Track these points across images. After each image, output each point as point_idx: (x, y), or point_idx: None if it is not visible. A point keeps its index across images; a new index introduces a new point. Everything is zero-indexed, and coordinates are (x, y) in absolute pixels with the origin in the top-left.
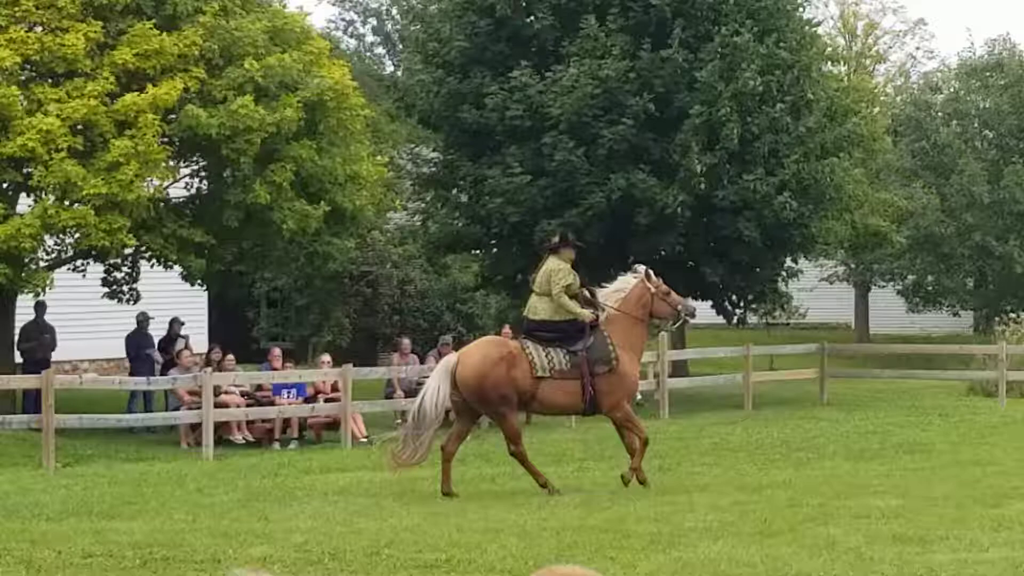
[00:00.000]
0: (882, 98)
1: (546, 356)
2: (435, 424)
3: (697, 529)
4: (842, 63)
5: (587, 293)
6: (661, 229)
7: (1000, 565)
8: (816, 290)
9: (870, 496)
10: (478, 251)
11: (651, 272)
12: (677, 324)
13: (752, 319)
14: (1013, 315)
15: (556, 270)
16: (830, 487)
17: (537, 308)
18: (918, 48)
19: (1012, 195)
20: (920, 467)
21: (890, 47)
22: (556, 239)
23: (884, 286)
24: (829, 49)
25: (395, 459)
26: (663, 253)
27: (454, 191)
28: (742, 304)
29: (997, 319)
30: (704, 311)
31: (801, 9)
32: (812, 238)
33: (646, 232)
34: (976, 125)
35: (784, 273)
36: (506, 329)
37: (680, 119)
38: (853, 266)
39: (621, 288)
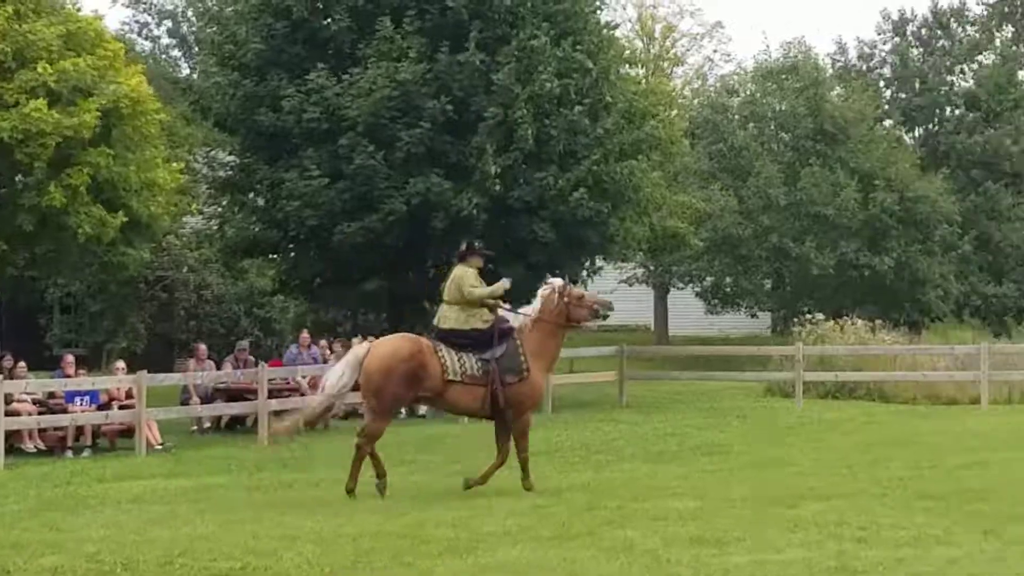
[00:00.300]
0: (680, 101)
1: (459, 360)
2: (324, 405)
3: (496, 534)
4: (640, 66)
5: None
6: (458, 232)
7: (796, 566)
8: (616, 292)
9: (668, 498)
10: (275, 255)
11: (561, 282)
12: (600, 321)
13: None
14: (810, 316)
15: (463, 276)
16: (628, 490)
17: (447, 316)
18: (715, 51)
19: (808, 197)
20: (718, 469)
21: (688, 50)
22: (464, 247)
23: (683, 288)
24: (627, 52)
25: (275, 433)
26: None
27: (251, 195)
28: None
29: (794, 320)
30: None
31: (599, 12)
32: (611, 239)
33: (443, 236)
34: (772, 127)
35: (584, 274)
36: (304, 334)
37: (478, 122)
38: (652, 268)
39: (536, 301)
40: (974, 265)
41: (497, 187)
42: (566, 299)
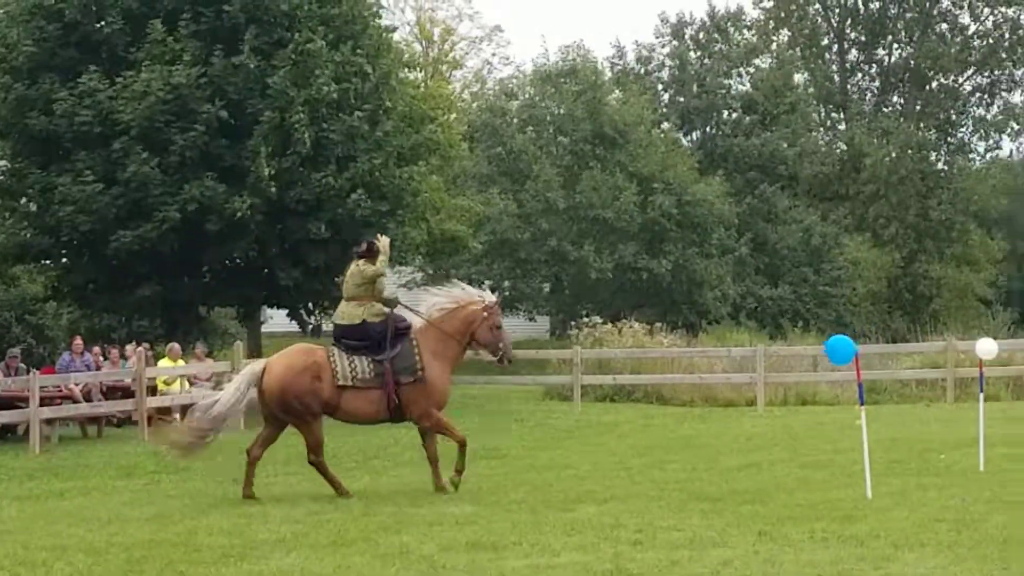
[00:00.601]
0: (459, 104)
1: (349, 364)
2: (221, 425)
3: (270, 541)
4: (419, 70)
5: (396, 298)
6: (234, 236)
7: (572, 569)
8: (395, 297)
9: (445, 503)
10: (48, 261)
11: (493, 300)
12: (495, 359)
13: (330, 326)
14: (588, 319)
15: (358, 271)
16: (405, 495)
17: (343, 313)
18: (494, 54)
19: (588, 200)
20: (495, 472)
21: (467, 53)
22: (364, 246)
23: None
24: (406, 56)
25: (172, 445)
26: (238, 260)
27: (23, 200)
28: (319, 310)
29: (573, 324)
30: (281, 318)
31: (377, 17)
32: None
33: (219, 239)
34: (551, 131)
35: None
36: (77, 340)
37: (254, 125)
38: (431, 272)
39: (453, 302)
40: (751, 267)
41: (272, 189)
42: (485, 314)
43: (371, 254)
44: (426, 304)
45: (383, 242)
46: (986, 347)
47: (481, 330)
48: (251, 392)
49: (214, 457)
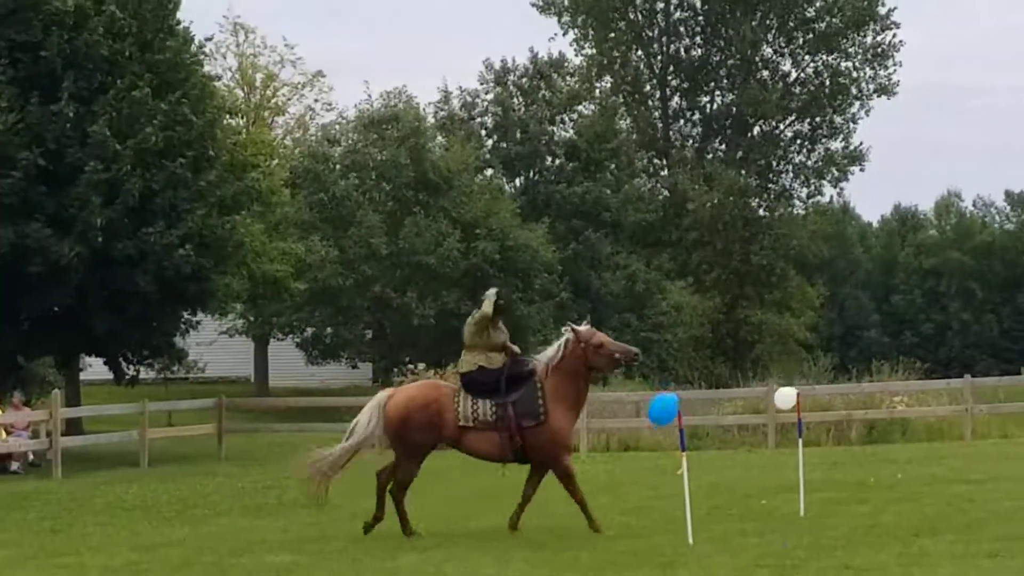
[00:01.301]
0: (281, 150)
1: (472, 406)
2: (352, 453)
3: None
4: (241, 116)
5: (516, 349)
6: (54, 283)
7: None
8: (216, 344)
9: (266, 552)
10: None
11: (579, 328)
12: (623, 368)
13: (151, 374)
14: (411, 366)
15: (471, 320)
16: (226, 544)
17: (463, 362)
18: (317, 100)
19: (411, 246)
20: (316, 521)
21: (289, 99)
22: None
23: (283, 339)
24: (228, 102)
25: (311, 471)
26: (56, 309)
27: None
28: (138, 359)
29: (396, 370)
30: (100, 367)
31: (200, 64)
32: (211, 292)
33: (39, 286)
34: (374, 177)
35: (183, 327)
36: None
37: (75, 173)
38: (252, 319)
39: (558, 347)
40: (573, 313)
41: (100, 239)
42: (583, 345)
43: (497, 315)
44: (543, 356)
45: (488, 294)
46: (784, 398)
47: (591, 356)
48: (378, 420)
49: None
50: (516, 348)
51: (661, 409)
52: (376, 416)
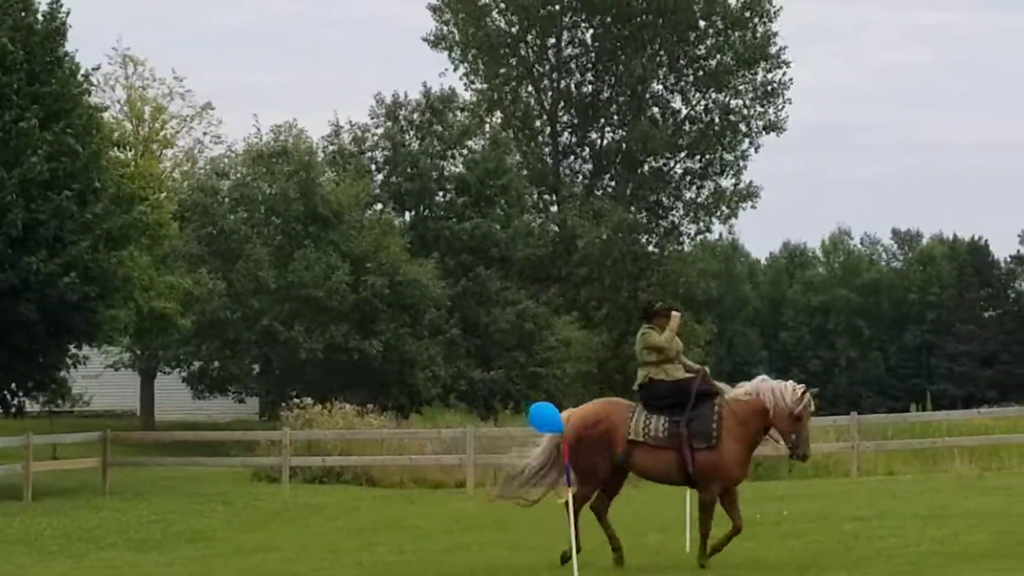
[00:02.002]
0: (170, 183)
1: (644, 421)
2: (534, 476)
3: None
4: (129, 148)
5: (704, 369)
6: None
7: None
8: (102, 377)
9: None
10: None
11: (793, 393)
12: (789, 453)
13: (36, 407)
14: (298, 400)
15: (641, 337)
16: None
17: (638, 375)
18: (205, 133)
19: (299, 279)
20: (201, 555)
21: (178, 132)
22: (652, 310)
23: (170, 372)
24: (116, 134)
25: (503, 493)
26: None
27: None
28: (23, 391)
29: (283, 405)
30: None
31: (87, 94)
32: (97, 324)
33: None
34: (263, 211)
35: (68, 360)
36: None
37: None
38: (139, 352)
39: (757, 391)
40: (462, 349)
41: None
42: (784, 403)
43: (655, 318)
44: (738, 388)
45: (674, 318)
46: None
47: (779, 420)
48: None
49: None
50: (705, 369)
51: (540, 416)
52: (553, 443)
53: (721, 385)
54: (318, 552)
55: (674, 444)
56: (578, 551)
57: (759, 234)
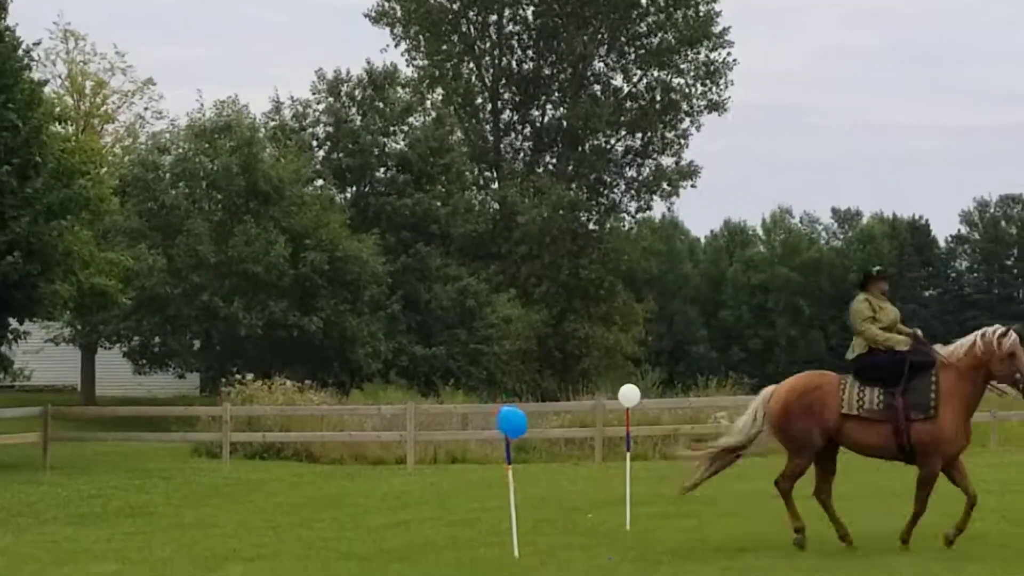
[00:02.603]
0: (110, 158)
1: (858, 394)
2: (733, 445)
3: None
4: (70, 123)
5: (917, 332)
6: None
7: None
8: (42, 352)
9: (89, 562)
10: None
11: (997, 335)
12: (1017, 392)
13: None
14: (239, 376)
15: (857, 308)
16: (49, 554)
17: (853, 346)
18: (147, 108)
19: (239, 255)
20: (141, 531)
21: (119, 107)
22: (863, 276)
23: (110, 348)
24: (58, 109)
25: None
26: None
27: None
28: None
29: (223, 380)
30: None
31: (28, 70)
32: (39, 300)
33: None
34: (204, 186)
35: (9, 335)
36: None
37: None
38: (79, 327)
39: (970, 342)
40: (403, 325)
41: None
42: (994, 348)
43: (872, 282)
44: (947, 349)
45: (903, 339)
46: (629, 393)
47: (994, 363)
48: (762, 416)
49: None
50: (918, 332)
51: (509, 422)
52: (761, 412)
53: (936, 347)
54: (258, 528)
55: (889, 417)
56: (799, 530)
57: (700, 212)
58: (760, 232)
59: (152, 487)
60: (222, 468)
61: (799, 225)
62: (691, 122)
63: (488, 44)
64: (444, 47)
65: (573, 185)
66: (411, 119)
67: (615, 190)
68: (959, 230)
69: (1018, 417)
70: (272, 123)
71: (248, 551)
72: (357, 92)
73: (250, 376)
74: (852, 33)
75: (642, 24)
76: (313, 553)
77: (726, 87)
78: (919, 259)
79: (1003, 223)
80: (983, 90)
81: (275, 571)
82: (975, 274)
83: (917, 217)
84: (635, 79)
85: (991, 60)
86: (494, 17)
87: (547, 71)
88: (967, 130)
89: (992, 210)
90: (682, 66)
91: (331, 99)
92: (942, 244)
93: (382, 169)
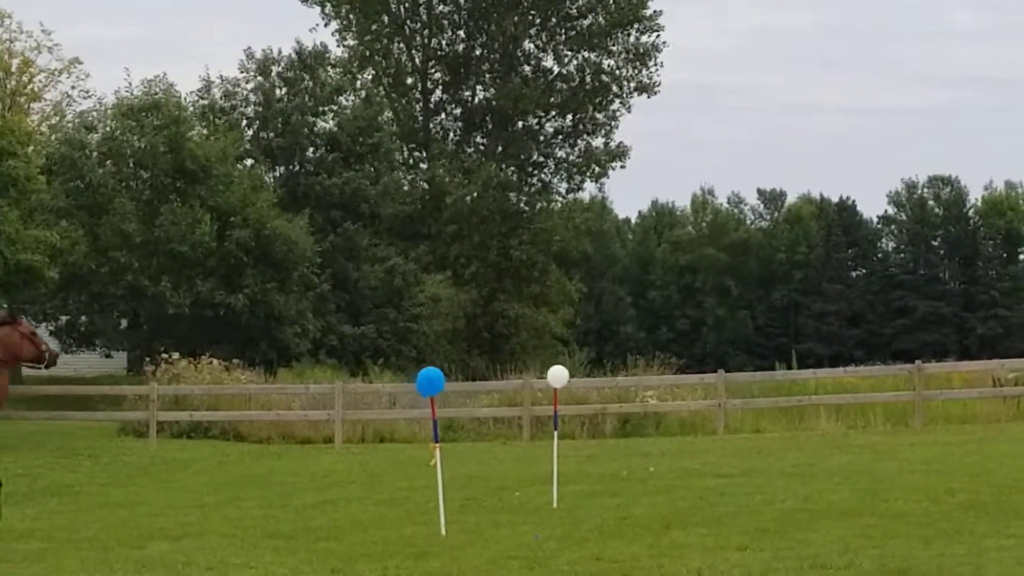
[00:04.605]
0: (37, 137)
1: None
2: None
3: None
4: None
5: None
6: None
7: None
8: None
9: (15, 540)
10: None
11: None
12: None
13: None
14: (165, 355)
15: None
16: None
17: None
18: (74, 87)
19: (166, 234)
20: (67, 509)
21: (45, 86)
22: None
23: (37, 326)
24: None
25: None
26: None
27: None
28: None
29: (149, 360)
30: None
31: None
32: None
33: None
34: (131, 165)
35: None
36: None
37: None
38: (5, 305)
39: None
40: (332, 304)
41: None
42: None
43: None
44: None
45: None
46: (558, 374)
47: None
48: None
49: None
50: None
51: (432, 378)
52: None
53: None
54: (184, 507)
55: None
56: None
57: (629, 193)
58: (688, 213)
59: (78, 466)
60: (149, 447)
61: (726, 206)
62: (621, 103)
63: (419, 24)
64: (375, 27)
65: (503, 165)
66: (341, 99)
67: (545, 171)
68: (886, 210)
69: (944, 396)
70: (202, 102)
71: (175, 529)
72: (287, 72)
73: (176, 355)
74: (781, 13)
75: (573, 6)
76: (240, 532)
77: (656, 69)
78: (846, 239)
79: (931, 203)
80: (913, 72)
81: (201, 549)
82: (902, 255)
83: (844, 198)
84: (566, 61)
85: (921, 41)
86: None
87: (478, 51)
88: (896, 111)
89: (920, 191)
90: (612, 48)
91: (260, 78)
92: (870, 224)
93: (312, 149)
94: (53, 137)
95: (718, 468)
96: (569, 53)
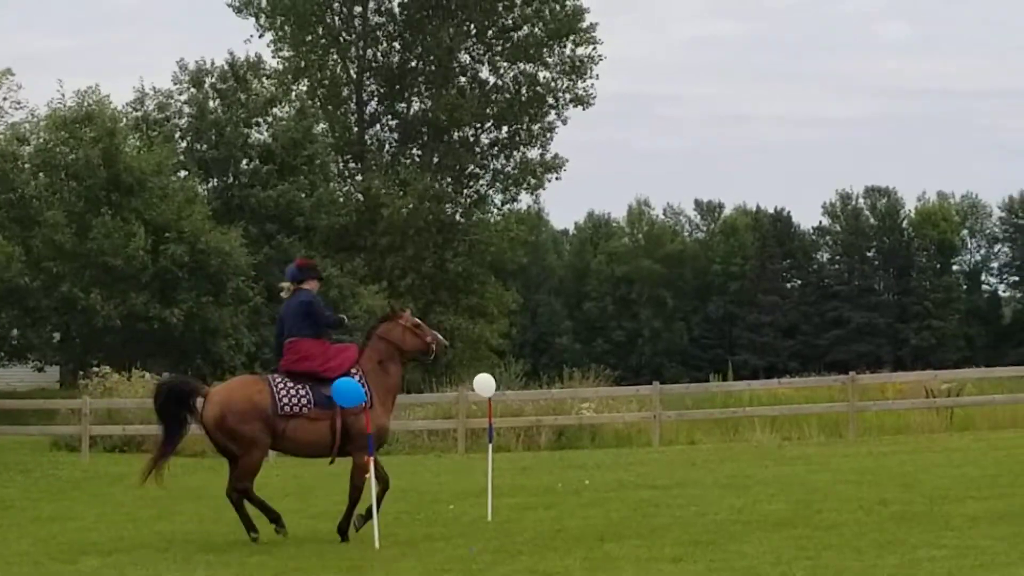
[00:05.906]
0: None
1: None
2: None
3: None
4: None
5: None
6: None
7: None
8: None
9: None
10: None
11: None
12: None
13: None
14: (97, 369)
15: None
16: None
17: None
18: (5, 99)
19: (99, 247)
20: None
21: None
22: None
23: None
24: None
25: None
26: None
27: None
28: None
29: (82, 373)
30: None
31: None
32: None
33: None
34: (64, 177)
35: None
36: None
37: None
38: None
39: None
40: (266, 317)
41: None
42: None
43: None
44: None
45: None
46: (484, 382)
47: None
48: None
49: None
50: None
51: (348, 389)
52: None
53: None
54: (117, 521)
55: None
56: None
57: (565, 204)
58: (624, 224)
59: (9, 481)
60: (81, 462)
61: (662, 217)
62: (557, 115)
63: (354, 36)
64: (309, 38)
65: (438, 177)
66: (275, 110)
67: (481, 182)
68: (821, 221)
69: (877, 407)
70: (135, 113)
71: (107, 544)
72: (220, 83)
73: (108, 368)
74: (717, 24)
75: (508, 17)
76: (173, 546)
77: (591, 82)
78: (781, 250)
79: (865, 214)
80: (848, 82)
81: (134, 564)
82: (836, 265)
83: (779, 208)
84: (501, 72)
85: (856, 52)
86: (359, 8)
87: (413, 63)
88: (832, 122)
89: (855, 202)
90: (548, 60)
91: (194, 90)
92: (805, 235)
93: (245, 160)
94: None
95: (653, 480)
96: (505, 64)
